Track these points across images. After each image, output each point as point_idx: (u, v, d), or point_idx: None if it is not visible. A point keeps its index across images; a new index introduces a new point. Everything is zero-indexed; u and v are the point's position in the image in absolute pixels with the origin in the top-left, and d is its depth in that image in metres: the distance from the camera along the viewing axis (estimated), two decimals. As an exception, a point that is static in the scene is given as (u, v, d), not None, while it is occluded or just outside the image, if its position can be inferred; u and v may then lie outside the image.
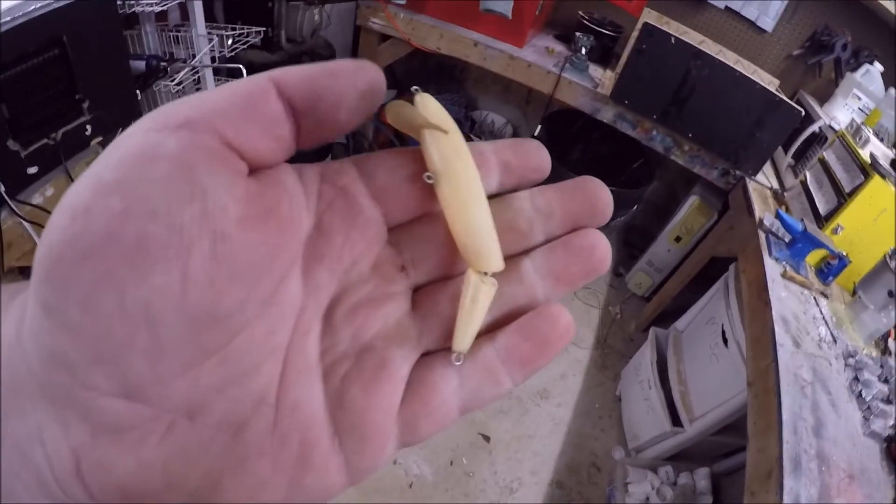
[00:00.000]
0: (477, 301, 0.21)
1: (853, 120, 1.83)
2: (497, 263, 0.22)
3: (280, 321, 0.19)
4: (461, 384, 0.22)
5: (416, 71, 2.97)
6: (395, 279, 0.23)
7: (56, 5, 1.07)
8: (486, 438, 2.03)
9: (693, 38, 2.08)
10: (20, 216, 1.09)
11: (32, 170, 1.12)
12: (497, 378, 0.22)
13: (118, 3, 1.30)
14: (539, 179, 0.26)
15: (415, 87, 0.24)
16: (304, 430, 0.19)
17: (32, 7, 1.02)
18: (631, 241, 3.12)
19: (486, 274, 0.22)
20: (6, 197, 1.05)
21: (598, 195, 0.25)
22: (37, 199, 1.15)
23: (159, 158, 0.16)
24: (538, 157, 0.26)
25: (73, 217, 0.15)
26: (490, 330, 0.23)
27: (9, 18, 0.98)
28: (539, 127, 2.36)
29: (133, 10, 1.41)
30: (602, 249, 0.24)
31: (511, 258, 0.23)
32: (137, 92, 1.44)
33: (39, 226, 1.14)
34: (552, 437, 2.11)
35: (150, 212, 0.15)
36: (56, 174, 1.19)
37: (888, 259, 1.46)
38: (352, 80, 0.19)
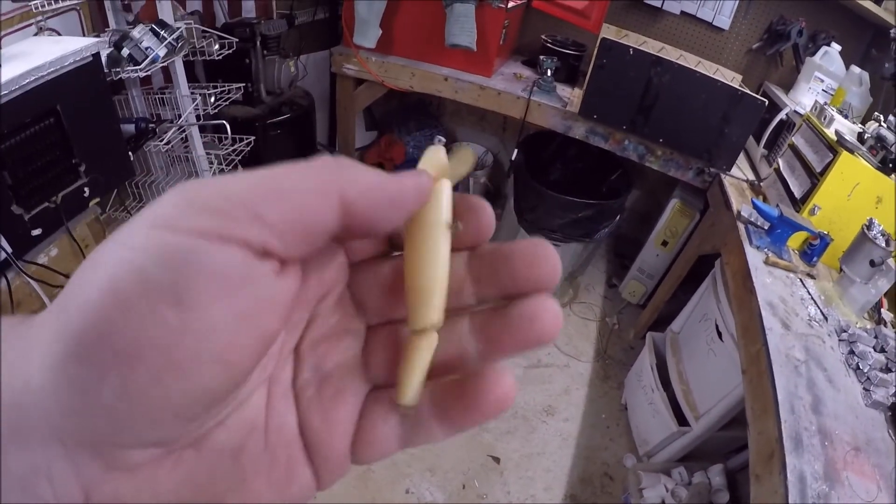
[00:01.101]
0: (415, 359, 0.22)
1: (816, 101, 1.88)
2: (435, 317, 0.23)
3: (268, 359, 0.22)
4: (400, 424, 0.23)
5: (394, 110, 3.06)
6: (355, 315, 0.25)
7: (48, 77, 1.15)
8: (496, 460, 2.03)
9: (652, 46, 2.16)
10: (28, 275, 1.13)
11: (36, 232, 1.17)
12: (430, 430, 0.23)
13: (105, 71, 1.37)
14: (483, 241, 0.25)
15: (438, 138, 0.26)
16: (288, 448, 0.22)
17: (27, 80, 1.09)
18: (620, 251, 3.17)
19: (424, 329, 0.23)
20: (13, 259, 1.10)
21: (540, 260, 0.23)
22: (42, 259, 1.20)
23: (204, 270, 0.17)
24: (485, 218, 0.25)
25: (116, 306, 0.16)
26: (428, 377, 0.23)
27: (5, 92, 1.04)
28: (515, 151, 2.43)
29: (119, 76, 1.47)
30: (545, 320, 0.22)
31: (452, 315, 0.24)
32: (130, 153, 1.50)
33: (46, 284, 1.19)
34: (562, 452, 2.11)
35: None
36: (59, 235, 1.25)
37: (865, 230, 1.49)
38: (407, 207, 0.21)
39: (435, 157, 0.24)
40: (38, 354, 0.17)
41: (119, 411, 0.17)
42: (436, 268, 0.23)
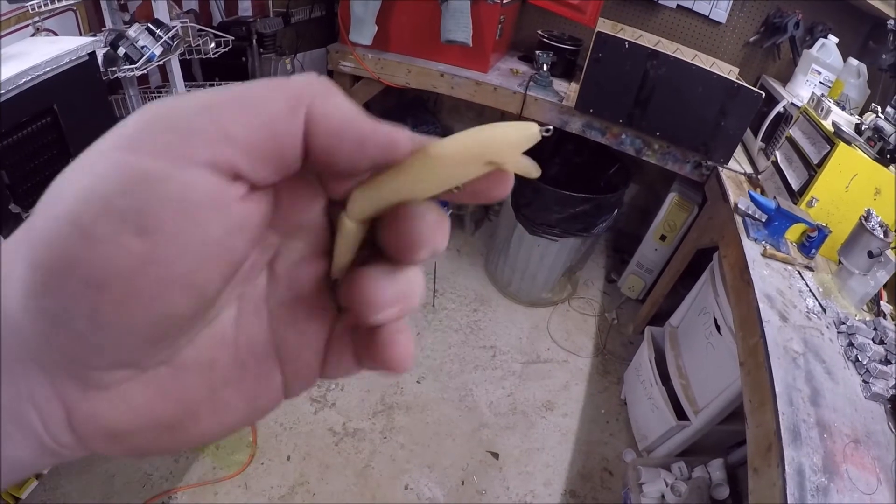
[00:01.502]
0: (340, 242, 0.23)
1: (813, 93, 1.88)
2: (356, 213, 0.22)
3: (239, 277, 0.21)
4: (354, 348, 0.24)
5: (392, 107, 3.06)
6: (327, 241, 0.24)
7: (45, 77, 1.15)
8: (495, 455, 2.04)
9: (648, 40, 2.17)
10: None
11: (34, 231, 1.17)
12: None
13: (101, 70, 1.37)
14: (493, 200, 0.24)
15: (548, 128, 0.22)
16: (258, 361, 0.23)
17: (24, 80, 1.09)
18: (619, 246, 3.18)
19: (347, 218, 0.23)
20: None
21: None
22: (38, 258, 1.20)
23: (168, 196, 0.17)
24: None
25: (80, 237, 0.16)
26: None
27: (3, 91, 1.04)
28: (514, 146, 2.42)
29: (115, 75, 1.47)
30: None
31: None
32: (125, 152, 1.50)
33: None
34: (561, 448, 2.11)
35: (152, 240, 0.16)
36: (54, 233, 1.25)
37: (863, 221, 1.49)
38: (370, 154, 0.20)
39: (517, 132, 0.21)
40: (11, 286, 0.18)
41: (90, 337, 0.17)
42: (397, 183, 0.21)
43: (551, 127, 0.22)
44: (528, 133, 0.21)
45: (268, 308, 0.23)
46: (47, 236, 0.17)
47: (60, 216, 0.16)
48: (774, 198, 1.67)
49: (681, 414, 1.85)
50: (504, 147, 0.21)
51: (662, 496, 1.74)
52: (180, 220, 0.17)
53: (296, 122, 0.18)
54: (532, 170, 0.22)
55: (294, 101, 0.18)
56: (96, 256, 0.16)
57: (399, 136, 0.20)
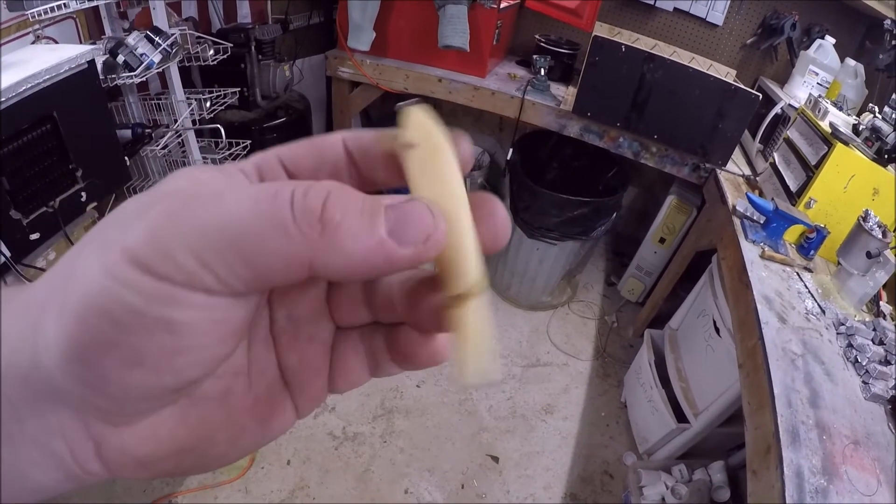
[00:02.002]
0: (467, 327, 0.21)
1: (810, 95, 1.88)
2: (473, 276, 0.21)
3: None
4: (367, 357, 0.27)
5: (390, 112, 3.07)
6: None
7: (45, 84, 1.15)
8: (495, 459, 2.04)
9: (645, 43, 2.18)
10: (26, 279, 1.14)
11: (34, 236, 1.19)
12: (389, 367, 0.27)
13: (101, 77, 1.38)
14: (498, 247, 0.24)
15: (398, 104, 0.25)
16: (269, 386, 0.25)
17: (24, 88, 1.10)
18: (619, 249, 3.18)
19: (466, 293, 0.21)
20: (11, 262, 1.11)
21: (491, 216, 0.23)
22: (40, 263, 1.22)
23: (173, 324, 0.18)
24: (500, 221, 0.23)
25: (112, 325, 0.18)
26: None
27: (3, 99, 1.05)
28: (511, 151, 2.43)
29: (115, 83, 1.48)
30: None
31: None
32: (126, 158, 1.51)
33: (44, 287, 1.19)
34: (562, 451, 2.11)
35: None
36: (57, 239, 1.26)
37: (861, 222, 1.49)
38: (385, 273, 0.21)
39: (414, 118, 0.22)
40: (45, 342, 0.19)
41: (122, 398, 0.19)
42: (461, 224, 0.21)
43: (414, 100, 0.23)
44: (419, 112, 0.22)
45: (272, 336, 0.25)
46: (81, 314, 0.18)
47: (84, 301, 0.18)
48: (772, 199, 1.67)
49: (681, 416, 1.85)
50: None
51: (663, 499, 1.74)
52: (186, 341, 0.19)
53: (299, 272, 0.19)
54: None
55: (296, 259, 0.19)
56: (131, 344, 0.18)
57: (418, 251, 0.20)
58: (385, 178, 0.24)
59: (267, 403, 0.25)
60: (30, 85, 1.11)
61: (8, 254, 1.12)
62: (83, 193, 1.31)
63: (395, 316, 0.26)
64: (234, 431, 0.24)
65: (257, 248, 0.18)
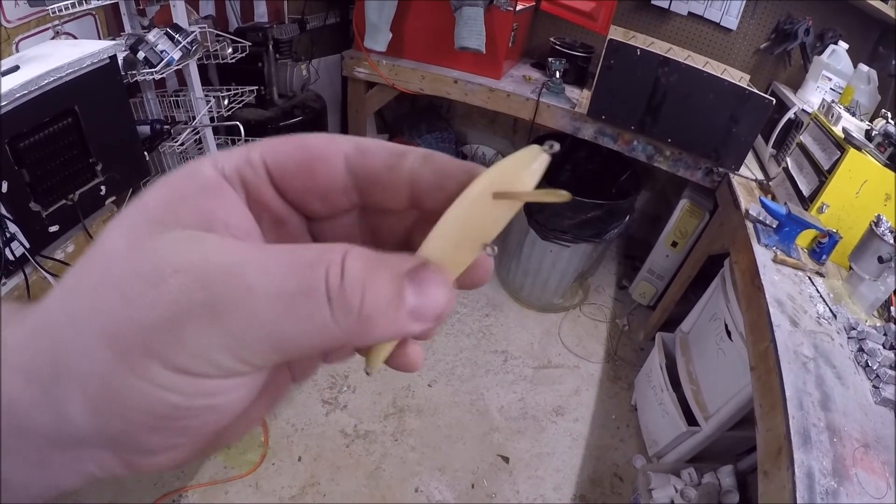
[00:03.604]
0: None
1: (824, 100, 1.87)
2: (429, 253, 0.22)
3: None
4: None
5: (405, 113, 3.09)
6: None
7: (66, 78, 1.18)
8: (506, 459, 2.04)
9: (660, 47, 2.17)
10: (45, 270, 1.16)
11: (53, 228, 1.21)
12: None
13: (121, 73, 1.40)
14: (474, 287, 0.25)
15: (550, 143, 0.22)
16: (276, 370, 0.25)
17: (45, 81, 1.12)
18: (631, 252, 3.18)
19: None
20: (30, 254, 1.13)
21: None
22: (59, 255, 1.23)
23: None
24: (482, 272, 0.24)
25: (145, 416, 0.19)
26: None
27: (25, 92, 1.07)
28: (525, 152, 2.44)
29: (135, 79, 1.51)
30: None
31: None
32: (145, 154, 1.54)
33: (63, 280, 1.21)
34: (572, 452, 2.11)
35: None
36: (76, 231, 1.28)
37: (873, 227, 1.49)
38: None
39: (525, 163, 0.21)
40: (66, 411, 0.19)
41: (146, 443, 0.20)
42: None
43: (556, 143, 0.21)
44: (531, 158, 0.21)
45: None
46: (109, 409, 0.19)
47: (125, 406, 0.19)
48: (785, 204, 1.66)
49: (691, 420, 1.85)
50: (512, 179, 0.21)
51: (672, 502, 1.74)
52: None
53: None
54: (556, 196, 0.21)
55: (329, 347, 0.19)
56: (174, 428, 0.20)
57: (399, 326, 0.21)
58: (393, 206, 0.24)
59: (273, 384, 0.25)
60: (52, 78, 1.14)
61: (27, 245, 1.14)
62: (103, 187, 1.34)
63: None
64: (247, 414, 0.24)
65: (296, 344, 0.19)
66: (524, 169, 0.21)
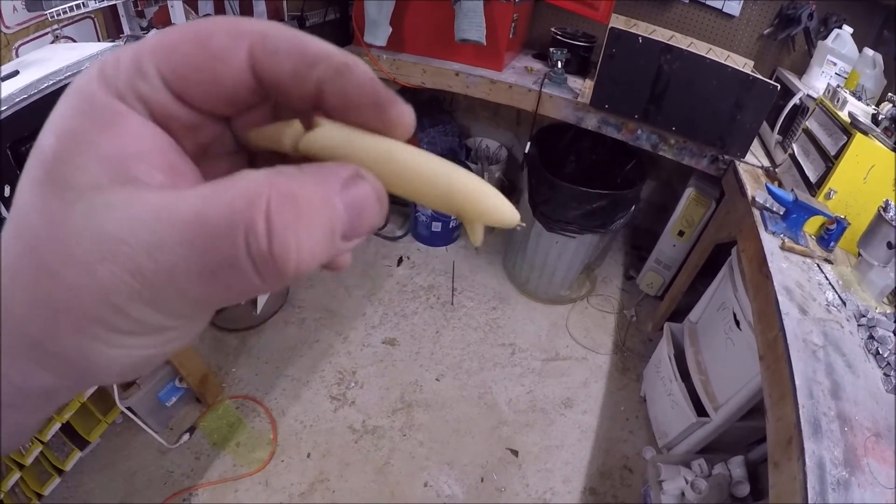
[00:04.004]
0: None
1: (829, 85, 1.85)
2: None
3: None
4: None
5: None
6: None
7: (66, 82, 1.18)
8: (515, 453, 2.04)
9: (662, 35, 2.15)
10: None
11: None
12: None
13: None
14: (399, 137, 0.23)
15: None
16: None
17: (45, 85, 1.12)
18: (637, 243, 3.16)
19: None
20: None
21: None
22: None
23: None
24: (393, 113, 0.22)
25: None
26: None
27: (25, 96, 1.08)
28: (528, 144, 2.43)
29: (133, 80, 1.50)
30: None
31: None
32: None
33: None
34: (581, 445, 2.11)
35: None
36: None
37: (882, 212, 1.47)
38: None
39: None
40: None
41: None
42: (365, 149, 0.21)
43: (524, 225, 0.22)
44: (500, 209, 0.22)
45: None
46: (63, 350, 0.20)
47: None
48: (792, 190, 1.64)
49: (700, 410, 1.84)
50: (470, 205, 0.21)
51: (682, 493, 1.73)
52: None
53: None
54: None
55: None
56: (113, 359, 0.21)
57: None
58: (298, 109, 0.22)
59: None
60: (52, 82, 1.14)
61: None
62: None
63: None
64: None
65: (227, 302, 0.20)
66: (491, 208, 0.22)
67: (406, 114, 0.22)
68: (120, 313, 0.19)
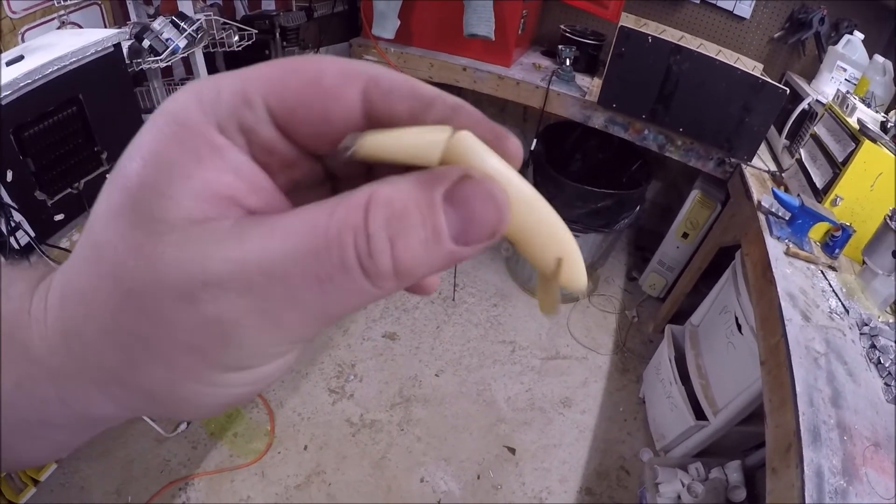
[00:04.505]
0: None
1: (838, 90, 1.84)
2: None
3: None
4: None
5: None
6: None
7: (71, 67, 1.17)
8: (512, 451, 2.04)
9: (672, 35, 2.13)
10: (50, 259, 1.17)
11: (59, 217, 1.21)
12: None
13: (126, 61, 1.39)
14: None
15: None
16: None
17: (50, 70, 1.12)
18: (641, 244, 3.15)
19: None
20: (36, 243, 1.14)
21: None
22: (64, 244, 1.24)
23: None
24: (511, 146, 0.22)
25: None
26: None
27: (28, 81, 1.07)
28: (535, 141, 2.42)
29: (140, 67, 1.50)
30: None
31: None
32: (151, 142, 1.53)
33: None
34: (579, 445, 2.11)
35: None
36: (81, 220, 1.29)
37: (888, 220, 1.46)
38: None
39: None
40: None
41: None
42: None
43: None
44: (583, 276, 0.22)
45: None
46: (160, 388, 0.20)
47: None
48: (798, 195, 1.64)
49: (699, 414, 1.83)
50: (567, 267, 0.22)
51: (679, 497, 1.73)
52: None
53: None
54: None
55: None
56: (213, 399, 0.21)
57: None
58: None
59: None
60: (56, 67, 1.14)
61: (32, 234, 1.14)
62: (108, 176, 1.33)
63: None
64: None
65: (341, 314, 0.19)
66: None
67: (519, 147, 0.22)
68: (228, 345, 0.18)
